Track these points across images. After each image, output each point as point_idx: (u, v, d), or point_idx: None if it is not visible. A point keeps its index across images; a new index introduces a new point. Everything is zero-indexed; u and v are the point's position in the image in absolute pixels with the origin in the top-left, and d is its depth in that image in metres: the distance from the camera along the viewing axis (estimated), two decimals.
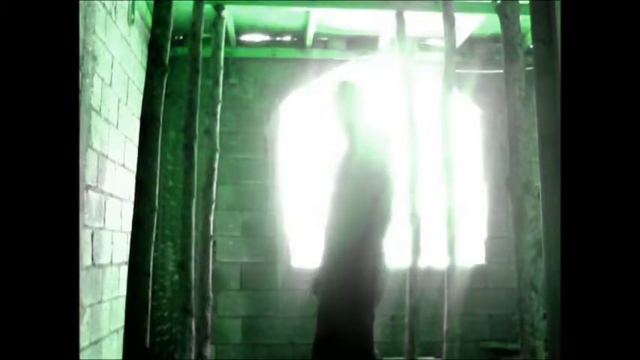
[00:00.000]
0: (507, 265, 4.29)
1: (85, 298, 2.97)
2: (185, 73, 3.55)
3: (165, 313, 4.54)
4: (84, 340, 2.96)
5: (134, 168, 2.46)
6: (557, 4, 2.17)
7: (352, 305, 2.40)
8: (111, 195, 3.47)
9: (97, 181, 3.19)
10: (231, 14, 4.28)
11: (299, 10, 4.36)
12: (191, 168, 3.39)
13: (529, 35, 2.48)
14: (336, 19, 4.61)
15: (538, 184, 2.20)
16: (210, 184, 3.69)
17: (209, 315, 3.57)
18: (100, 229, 3.28)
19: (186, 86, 3.52)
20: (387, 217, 2.55)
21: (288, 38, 4.99)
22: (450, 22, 3.70)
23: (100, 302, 3.29)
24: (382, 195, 2.51)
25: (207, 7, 3.76)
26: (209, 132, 3.75)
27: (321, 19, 4.55)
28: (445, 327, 3.43)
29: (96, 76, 3.07)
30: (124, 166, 3.75)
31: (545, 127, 2.21)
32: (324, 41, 4.99)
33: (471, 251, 4.87)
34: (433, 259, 4.10)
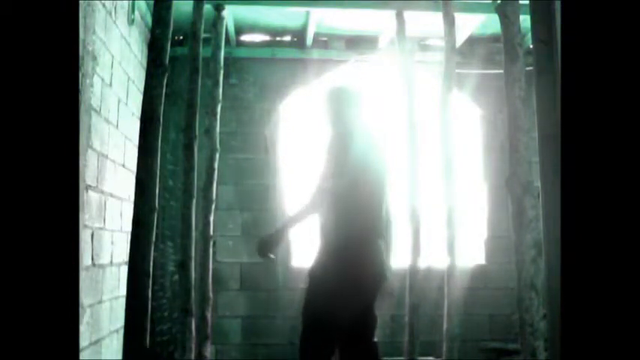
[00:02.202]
0: (507, 265, 4.28)
1: (85, 298, 2.97)
2: (185, 73, 3.55)
3: (166, 313, 4.54)
4: (84, 340, 2.96)
5: (134, 168, 2.46)
6: (557, 4, 2.17)
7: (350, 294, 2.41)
8: (111, 195, 3.47)
9: (97, 181, 3.19)
10: (231, 14, 4.28)
11: (299, 10, 4.36)
12: (191, 168, 3.40)
13: (529, 35, 2.48)
14: (336, 19, 4.61)
15: (538, 184, 2.20)
16: (210, 184, 3.69)
17: (209, 315, 3.57)
18: (100, 229, 3.28)
19: (186, 86, 3.52)
20: (387, 217, 2.56)
21: (288, 38, 5.00)
22: (450, 22, 3.70)
23: (100, 302, 3.29)
24: (380, 194, 2.52)
25: (207, 7, 3.76)
26: (209, 132, 3.75)
27: (321, 19, 4.55)
28: (445, 327, 3.44)
29: (96, 76, 3.07)
30: (124, 166, 3.75)
31: (545, 127, 2.21)
32: (324, 41, 4.99)
33: (471, 251, 4.87)
34: (433, 259, 4.11)
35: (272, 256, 2.52)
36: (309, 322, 2.46)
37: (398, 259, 4.11)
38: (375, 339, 2.53)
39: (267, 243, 2.51)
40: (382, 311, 2.61)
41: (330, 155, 2.50)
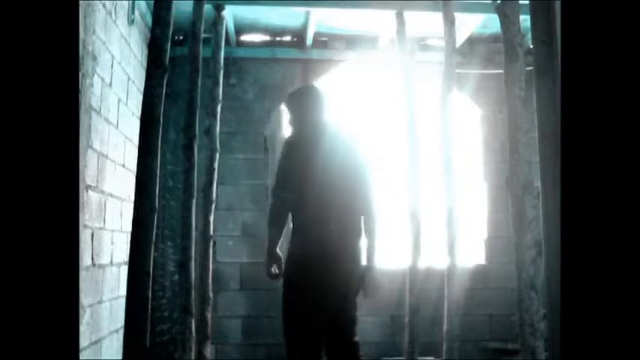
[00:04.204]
0: (507, 265, 4.28)
1: (85, 298, 2.97)
2: (185, 73, 3.55)
3: (166, 313, 4.54)
4: (84, 340, 2.96)
5: (134, 168, 2.46)
6: (557, 4, 2.17)
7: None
8: (111, 195, 3.47)
9: (97, 181, 3.19)
10: (231, 14, 4.28)
11: (299, 10, 4.36)
12: (191, 168, 3.39)
13: (529, 35, 2.48)
14: (336, 19, 4.61)
15: (538, 184, 2.20)
16: (210, 184, 3.69)
17: (209, 315, 3.57)
18: (100, 229, 3.28)
19: (186, 86, 3.52)
20: (369, 214, 2.56)
21: (288, 38, 5.00)
22: (450, 22, 3.70)
23: (100, 302, 3.29)
24: (346, 193, 2.51)
25: (207, 7, 3.76)
26: (209, 132, 3.75)
27: (321, 19, 4.55)
28: (445, 327, 3.43)
29: (96, 76, 3.07)
30: (124, 166, 3.75)
31: (545, 127, 2.21)
32: (324, 41, 4.99)
33: (471, 251, 4.87)
34: (433, 259, 4.11)
35: (276, 271, 2.63)
36: (284, 325, 2.51)
37: (397, 258, 4.11)
38: (357, 338, 2.53)
39: (265, 267, 2.64)
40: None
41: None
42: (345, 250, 2.47)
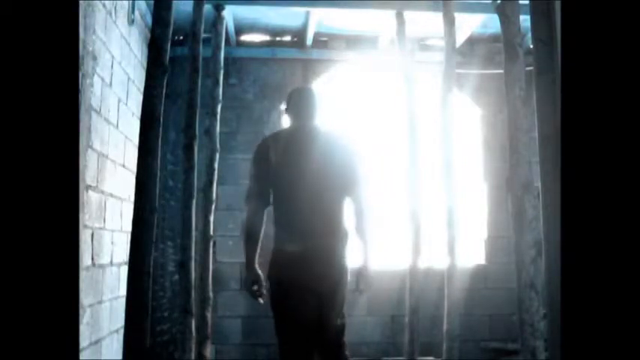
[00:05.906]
0: (507, 265, 4.29)
1: (85, 298, 2.97)
2: (185, 73, 3.55)
3: (166, 313, 4.54)
4: (84, 340, 2.96)
5: (134, 168, 2.46)
6: (557, 4, 2.17)
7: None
8: (111, 195, 3.47)
9: (97, 181, 3.19)
10: (231, 14, 4.29)
11: (299, 10, 4.36)
12: (191, 168, 3.40)
13: (529, 35, 2.49)
14: (336, 19, 4.61)
15: (538, 184, 2.20)
16: (210, 184, 3.69)
17: (209, 315, 3.57)
18: (100, 229, 3.27)
19: (186, 86, 3.52)
20: (359, 210, 2.53)
21: (288, 38, 5.00)
22: (450, 22, 3.70)
23: (100, 302, 3.29)
24: (330, 190, 2.48)
25: (207, 7, 3.76)
26: (209, 132, 3.75)
27: (321, 19, 4.55)
28: (445, 327, 3.44)
29: (96, 76, 3.07)
30: (124, 166, 3.75)
31: (545, 127, 2.21)
32: (324, 41, 4.99)
33: (471, 251, 4.87)
34: (433, 259, 4.11)
35: (261, 297, 2.57)
36: (274, 323, 2.54)
37: (397, 258, 4.11)
38: (344, 338, 2.53)
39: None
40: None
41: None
42: (329, 250, 2.44)
